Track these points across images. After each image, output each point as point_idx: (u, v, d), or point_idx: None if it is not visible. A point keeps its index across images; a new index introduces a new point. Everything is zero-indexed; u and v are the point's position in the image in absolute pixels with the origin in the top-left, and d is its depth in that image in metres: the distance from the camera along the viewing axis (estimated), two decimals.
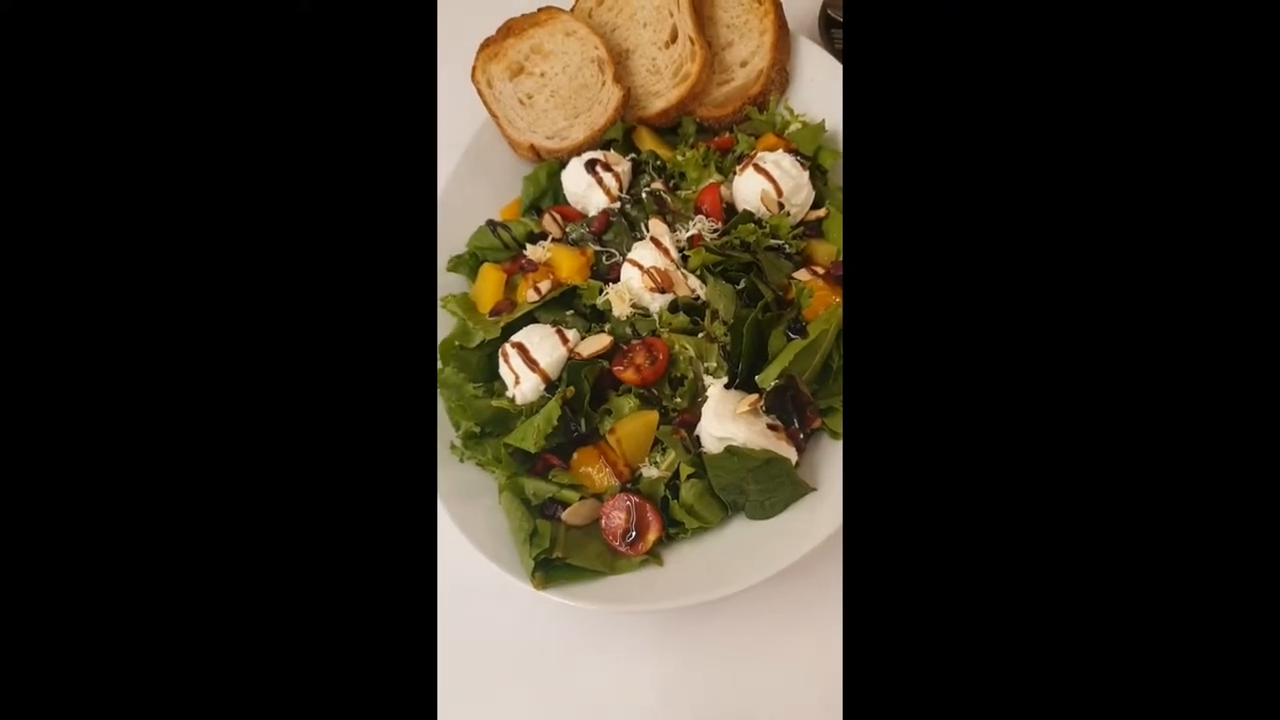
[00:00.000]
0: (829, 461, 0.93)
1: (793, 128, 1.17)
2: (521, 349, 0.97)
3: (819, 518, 0.89)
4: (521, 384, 0.97)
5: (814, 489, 0.90)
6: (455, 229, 1.17)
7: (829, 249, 1.05)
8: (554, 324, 1.02)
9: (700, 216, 1.06)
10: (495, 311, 1.07)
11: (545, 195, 1.22)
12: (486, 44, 1.30)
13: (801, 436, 0.93)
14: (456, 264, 1.16)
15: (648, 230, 1.06)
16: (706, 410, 0.91)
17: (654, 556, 0.90)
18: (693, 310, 0.99)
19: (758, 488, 0.88)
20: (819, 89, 1.19)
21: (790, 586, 0.92)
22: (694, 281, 1.00)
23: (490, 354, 1.03)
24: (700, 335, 0.97)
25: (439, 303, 1.11)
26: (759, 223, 1.04)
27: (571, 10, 1.30)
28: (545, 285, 1.05)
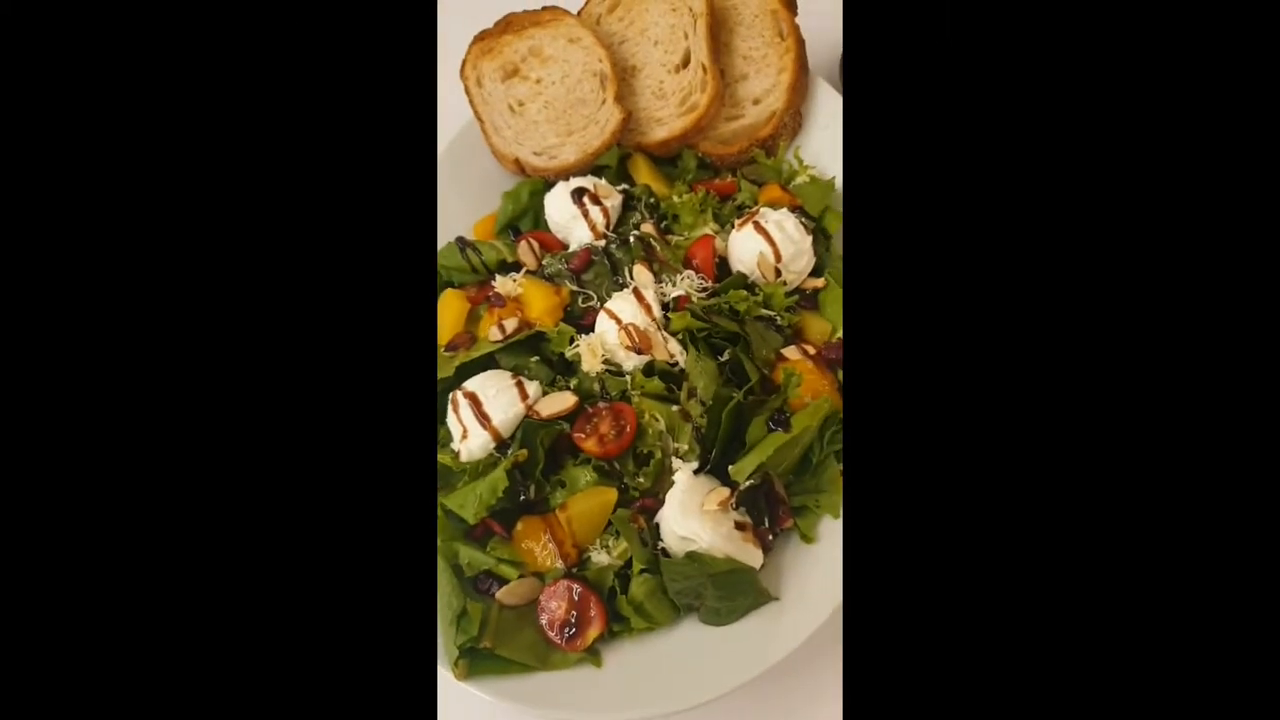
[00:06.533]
0: (796, 566, 0.85)
1: (799, 179, 1.08)
2: (474, 400, 0.87)
3: (780, 630, 0.81)
4: (469, 439, 0.87)
5: (776, 599, 0.82)
6: None
7: (823, 326, 0.97)
8: (515, 370, 0.92)
9: (690, 272, 0.97)
10: (452, 345, 0.97)
11: (525, 215, 1.12)
12: (481, 37, 1.19)
13: (770, 536, 0.85)
14: None
15: (631, 277, 0.97)
16: (671, 498, 0.82)
17: (592, 655, 0.81)
18: (670, 377, 0.90)
19: (716, 594, 0.80)
20: (833, 140, 1.10)
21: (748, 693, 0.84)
22: (674, 346, 0.91)
23: (440, 394, 0.93)
24: (675, 408, 0.88)
25: None
26: (752, 289, 0.95)
27: (579, 14, 1.19)
28: (511, 324, 0.95)
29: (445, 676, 0.78)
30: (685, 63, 1.13)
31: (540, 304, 0.97)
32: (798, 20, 1.13)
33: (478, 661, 0.79)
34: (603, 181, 1.07)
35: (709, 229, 1.03)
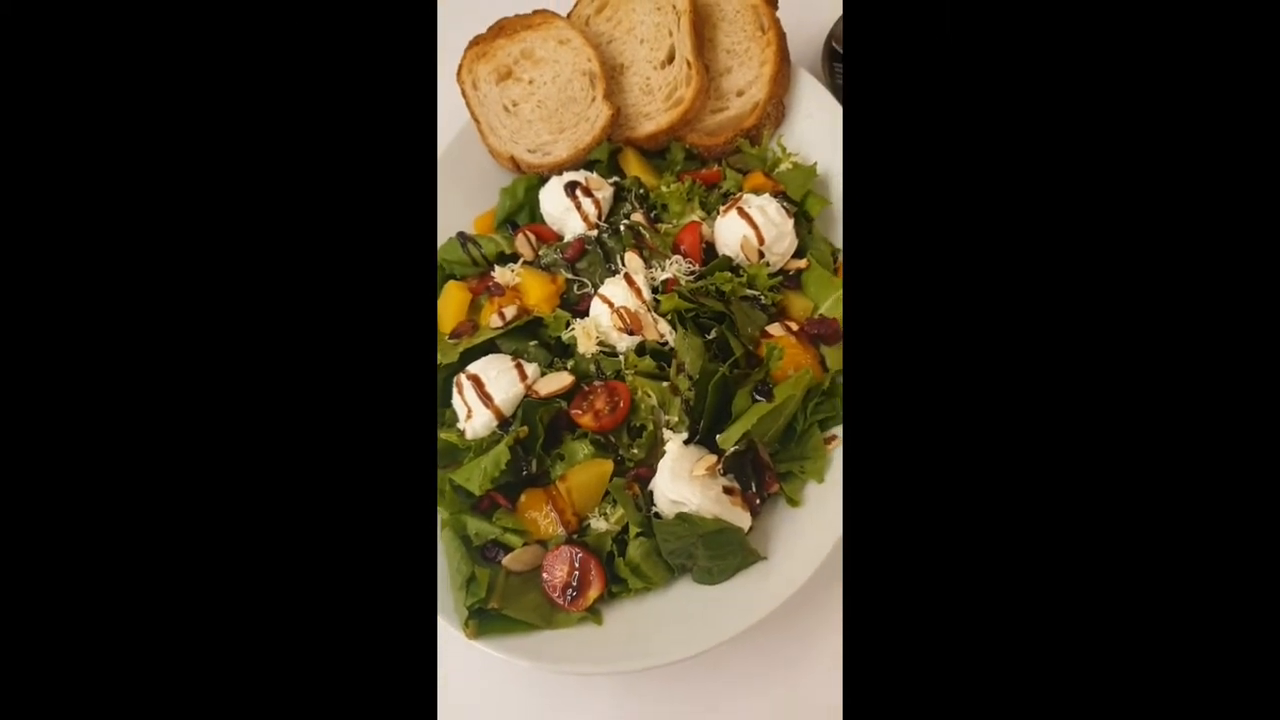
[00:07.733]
0: (782, 528, 0.91)
1: (783, 166, 1.13)
2: (477, 382, 0.93)
3: (768, 587, 0.86)
4: (473, 418, 0.93)
5: (764, 558, 0.88)
6: None
7: (804, 304, 1.02)
8: (515, 354, 0.98)
9: (678, 256, 1.03)
10: (456, 333, 1.03)
11: (521, 210, 1.17)
12: (476, 42, 1.25)
13: (758, 501, 0.90)
14: None
15: (623, 264, 1.02)
16: (662, 467, 0.88)
17: (593, 614, 0.87)
18: (660, 356, 0.95)
19: (707, 553, 0.85)
20: (815, 128, 1.15)
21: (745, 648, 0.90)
22: (664, 326, 0.96)
23: (445, 378, 0.99)
24: (665, 384, 0.93)
25: None
26: (736, 270, 1.01)
27: (568, 16, 1.24)
28: (510, 311, 1.01)
29: (446, 646, 0.84)
30: (670, 59, 1.18)
31: (538, 292, 1.02)
32: (778, 14, 1.19)
33: (486, 622, 0.85)
34: (594, 175, 1.12)
35: (696, 216, 1.08)
